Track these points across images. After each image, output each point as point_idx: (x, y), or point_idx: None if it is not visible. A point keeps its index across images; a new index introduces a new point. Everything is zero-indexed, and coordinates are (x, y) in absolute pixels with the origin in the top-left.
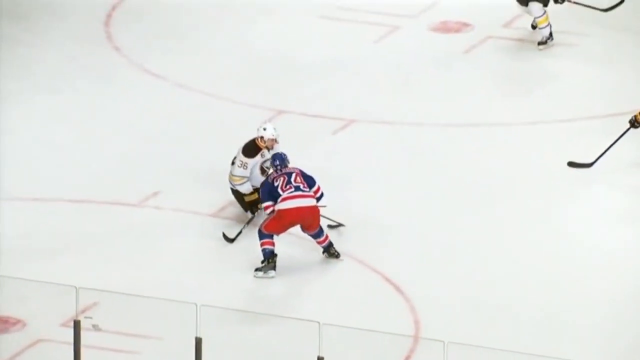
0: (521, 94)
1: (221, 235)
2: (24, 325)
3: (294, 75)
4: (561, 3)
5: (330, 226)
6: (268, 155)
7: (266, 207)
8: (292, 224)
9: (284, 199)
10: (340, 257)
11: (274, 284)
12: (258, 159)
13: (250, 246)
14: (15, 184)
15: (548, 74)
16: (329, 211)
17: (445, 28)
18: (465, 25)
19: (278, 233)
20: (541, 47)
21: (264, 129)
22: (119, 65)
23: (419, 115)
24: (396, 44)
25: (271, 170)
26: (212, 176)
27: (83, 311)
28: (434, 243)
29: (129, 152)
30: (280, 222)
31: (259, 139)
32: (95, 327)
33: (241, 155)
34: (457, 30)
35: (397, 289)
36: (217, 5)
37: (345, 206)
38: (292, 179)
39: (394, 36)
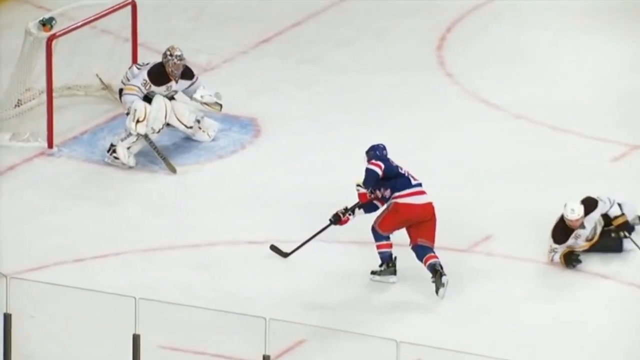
0: None
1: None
2: None
3: None
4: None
5: None
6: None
7: (367, 189)
8: (409, 222)
9: (413, 194)
10: (442, 293)
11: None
12: (570, 242)
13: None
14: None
15: None
16: None
17: None
18: None
19: (393, 231)
20: None
21: (564, 205)
22: (451, 93)
23: None
24: None
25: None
26: (549, 219)
27: None
28: None
29: (459, 189)
30: (395, 218)
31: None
32: None
33: (552, 242)
34: None
35: None
36: (557, 29)
37: None
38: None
39: None
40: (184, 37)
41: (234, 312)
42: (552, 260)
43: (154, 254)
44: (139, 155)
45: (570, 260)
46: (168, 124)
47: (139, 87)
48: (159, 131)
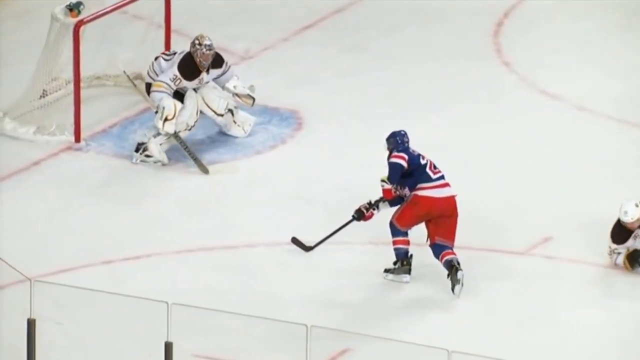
0: None
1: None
2: None
3: None
4: None
5: None
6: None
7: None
8: (429, 216)
9: (435, 187)
10: (458, 291)
11: None
12: (630, 243)
13: None
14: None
15: None
16: None
17: None
18: None
19: (412, 226)
20: None
21: (620, 207)
22: (508, 83)
23: None
24: None
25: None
26: (614, 219)
27: None
28: None
29: (517, 188)
30: (414, 212)
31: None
32: None
33: (611, 243)
34: None
35: None
36: (623, 14)
37: None
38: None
39: None
40: (221, 23)
41: (273, 318)
42: (615, 263)
43: (187, 256)
44: (170, 151)
45: (635, 258)
46: (200, 112)
47: (167, 84)
48: (190, 128)
